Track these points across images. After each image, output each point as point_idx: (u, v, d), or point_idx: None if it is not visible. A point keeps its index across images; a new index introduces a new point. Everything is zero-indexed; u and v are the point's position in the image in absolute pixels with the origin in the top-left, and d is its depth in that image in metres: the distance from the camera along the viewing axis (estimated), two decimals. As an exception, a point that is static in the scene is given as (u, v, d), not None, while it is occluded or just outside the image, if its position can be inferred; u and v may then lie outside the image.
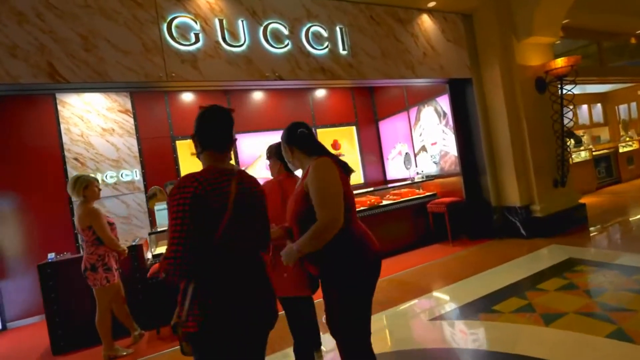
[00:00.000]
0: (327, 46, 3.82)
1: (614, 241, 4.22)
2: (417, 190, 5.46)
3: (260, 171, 5.34)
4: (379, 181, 6.38)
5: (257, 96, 5.51)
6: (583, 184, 7.35)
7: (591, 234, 4.54)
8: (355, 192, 5.17)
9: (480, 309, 2.96)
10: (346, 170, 1.70)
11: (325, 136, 5.98)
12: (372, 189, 5.35)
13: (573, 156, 7.41)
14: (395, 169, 6.27)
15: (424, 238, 5.06)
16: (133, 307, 3.32)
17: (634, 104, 10.36)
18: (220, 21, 3.43)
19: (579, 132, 9.86)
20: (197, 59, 3.34)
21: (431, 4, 4.42)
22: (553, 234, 4.53)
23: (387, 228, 4.84)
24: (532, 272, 3.51)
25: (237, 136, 5.24)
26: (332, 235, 1.48)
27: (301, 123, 1.81)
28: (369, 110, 6.44)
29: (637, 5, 6.54)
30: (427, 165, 5.58)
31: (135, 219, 4.67)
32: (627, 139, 8.83)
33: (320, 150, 1.73)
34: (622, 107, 10.62)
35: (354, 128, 6.23)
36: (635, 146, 8.59)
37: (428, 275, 3.91)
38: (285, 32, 3.66)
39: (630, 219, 5.05)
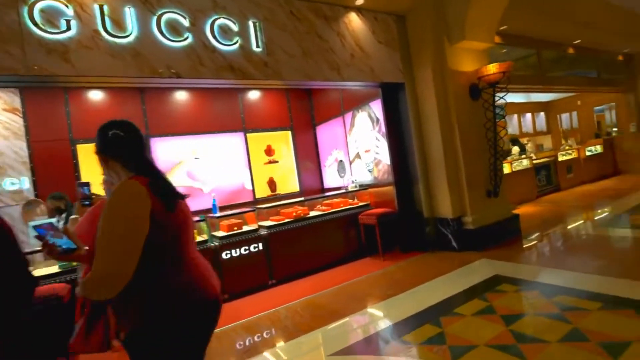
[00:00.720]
0: (237, 42, 3.35)
1: (543, 255, 4.04)
2: (351, 201, 5.10)
3: (181, 179, 4.76)
4: (316, 189, 5.98)
5: (180, 96, 4.92)
6: (523, 192, 7.34)
7: (522, 247, 4.36)
8: (283, 202, 4.74)
9: (389, 338, 2.60)
10: (167, 199, 1.21)
11: (257, 141, 5.49)
12: (302, 198, 4.92)
13: (514, 164, 7.38)
14: (332, 177, 5.90)
15: (356, 252, 4.70)
16: None
17: (575, 113, 10.69)
18: (101, 7, 2.87)
19: (524, 140, 10.00)
20: (69, 49, 2.76)
21: (359, 2, 4.07)
22: (485, 247, 4.29)
23: (316, 241, 4.42)
24: (454, 292, 3.22)
25: (153, 140, 4.64)
26: (110, 291, 1.05)
27: (119, 122, 1.30)
28: (306, 113, 6.03)
29: (574, 15, 6.59)
30: (361, 174, 5.24)
31: (22, 233, 3.96)
32: (567, 147, 9.00)
33: (140, 164, 1.25)
34: (564, 116, 10.95)
35: (289, 133, 5.78)
36: (574, 155, 8.76)
37: (348, 295, 3.52)
38: (186, 23, 3.15)
39: (563, 231, 4.95)
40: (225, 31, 3.32)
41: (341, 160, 5.58)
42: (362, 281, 3.84)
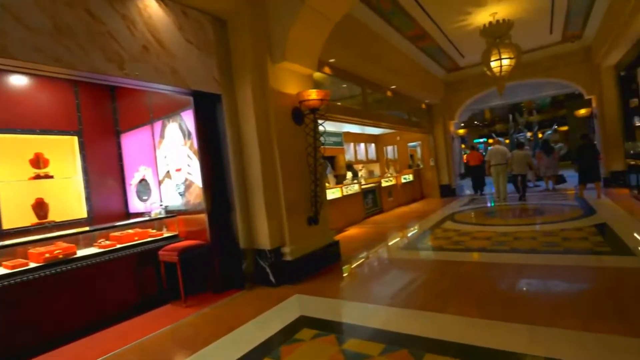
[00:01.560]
0: None
1: (352, 285, 3.92)
2: (153, 231, 4.03)
3: None
4: (118, 215, 4.63)
5: None
6: (353, 214, 7.77)
7: (337, 276, 4.19)
8: (35, 237, 3.26)
9: None
10: None
11: (16, 147, 3.81)
12: (68, 232, 3.54)
13: (347, 189, 7.77)
14: (138, 199, 4.68)
15: (153, 299, 3.62)
16: None
17: (395, 147, 12.52)
18: None
19: (358, 167, 10.98)
20: None
21: (159, -12, 3.24)
22: (303, 279, 3.94)
23: (83, 293, 3.14)
24: (249, 347, 2.58)
25: None
26: None
27: None
28: (106, 116, 4.67)
29: (389, 64, 7.51)
30: (173, 197, 4.26)
31: None
32: (389, 175, 10.28)
33: None
34: (389, 148, 12.68)
35: (76, 139, 4.30)
36: (393, 181, 10.03)
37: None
38: None
39: (376, 255, 5.13)
40: None
41: (143, 180, 4.45)
42: (135, 347, 2.80)
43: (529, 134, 18.64)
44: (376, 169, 12.22)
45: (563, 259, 3.86)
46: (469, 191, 11.94)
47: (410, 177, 10.98)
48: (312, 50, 4.46)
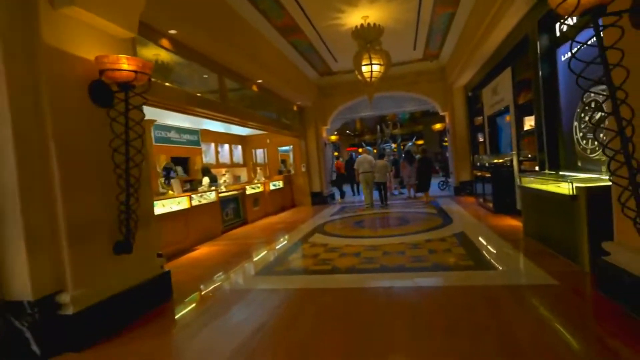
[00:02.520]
0: None
1: (176, 344, 2.85)
2: None
3: None
4: None
5: None
6: (207, 229, 6.72)
7: (156, 327, 3.09)
8: None
9: None
10: None
11: None
12: None
13: (199, 198, 6.68)
14: None
15: None
16: None
17: (265, 150, 11.98)
18: None
19: (222, 171, 9.94)
20: None
21: None
22: (96, 341, 2.74)
23: None
24: None
25: None
26: None
27: None
28: None
29: (254, 52, 6.85)
30: None
31: None
32: (256, 181, 9.61)
33: None
34: (259, 152, 12.07)
35: None
36: (261, 188, 9.40)
37: None
38: None
39: (228, 282, 4.32)
40: None
41: None
42: None
43: (393, 145, 21.31)
44: (244, 174, 11.42)
45: (433, 278, 3.90)
46: (339, 197, 12.48)
47: (280, 184, 10.58)
48: (128, 4, 3.34)
